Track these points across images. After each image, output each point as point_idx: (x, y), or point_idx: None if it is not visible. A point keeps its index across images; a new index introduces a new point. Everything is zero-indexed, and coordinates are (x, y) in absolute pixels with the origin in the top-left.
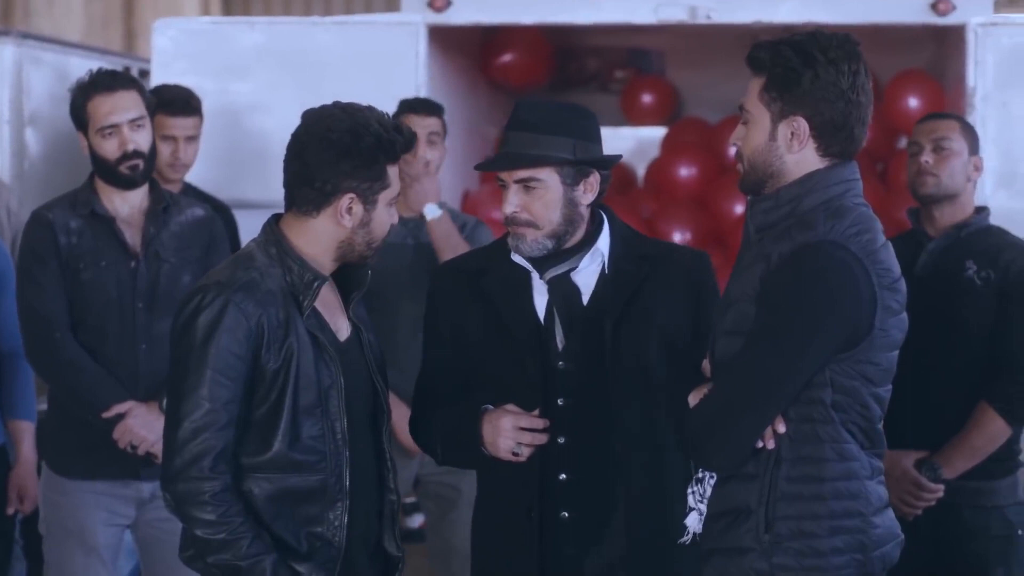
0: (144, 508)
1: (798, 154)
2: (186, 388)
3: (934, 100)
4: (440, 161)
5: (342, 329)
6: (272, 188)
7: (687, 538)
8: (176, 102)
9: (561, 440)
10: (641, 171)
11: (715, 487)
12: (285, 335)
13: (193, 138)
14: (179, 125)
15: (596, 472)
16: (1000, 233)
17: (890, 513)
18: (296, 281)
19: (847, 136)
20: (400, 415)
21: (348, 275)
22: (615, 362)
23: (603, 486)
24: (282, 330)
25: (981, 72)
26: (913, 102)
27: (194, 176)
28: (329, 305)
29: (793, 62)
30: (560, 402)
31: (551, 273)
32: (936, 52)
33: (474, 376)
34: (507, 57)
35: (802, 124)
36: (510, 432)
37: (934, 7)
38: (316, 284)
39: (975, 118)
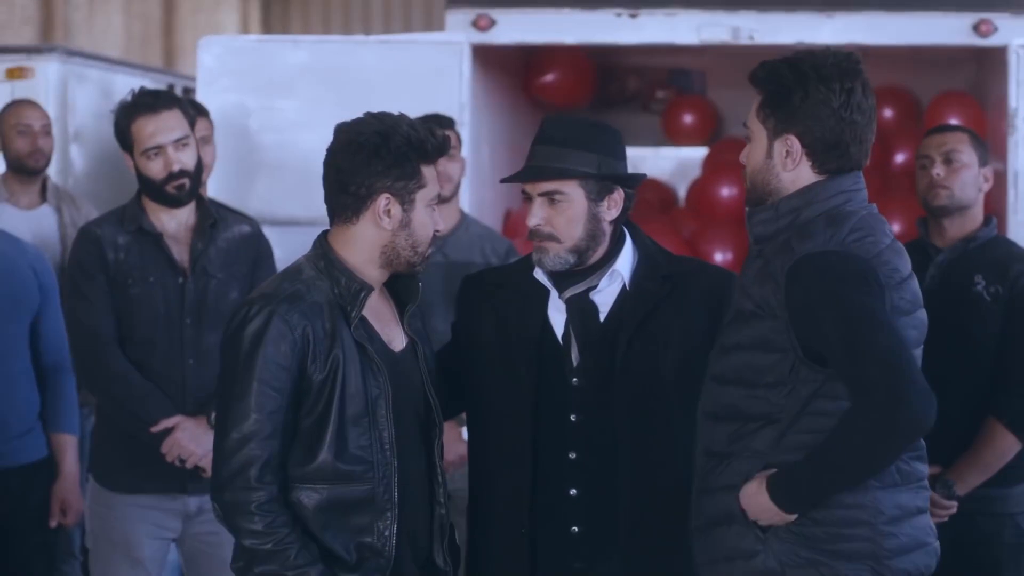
0: (190, 522)
1: (793, 172)
2: (232, 399)
3: (975, 121)
4: (460, 174)
5: (396, 340)
6: (316, 205)
7: None
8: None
9: (572, 456)
10: (682, 191)
11: (706, 498)
12: (331, 346)
13: (205, 139)
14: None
15: (607, 486)
16: (1008, 244)
17: (917, 521)
18: (344, 292)
19: (842, 153)
20: None
21: (404, 287)
22: (626, 379)
23: (614, 500)
24: (328, 341)
25: (1023, 93)
26: (950, 123)
27: (236, 194)
28: (382, 317)
29: (786, 80)
30: (573, 418)
31: (569, 292)
32: (977, 73)
33: (479, 387)
34: (550, 77)
35: (794, 143)
36: None
37: (976, 28)
38: (363, 294)
39: (1017, 139)
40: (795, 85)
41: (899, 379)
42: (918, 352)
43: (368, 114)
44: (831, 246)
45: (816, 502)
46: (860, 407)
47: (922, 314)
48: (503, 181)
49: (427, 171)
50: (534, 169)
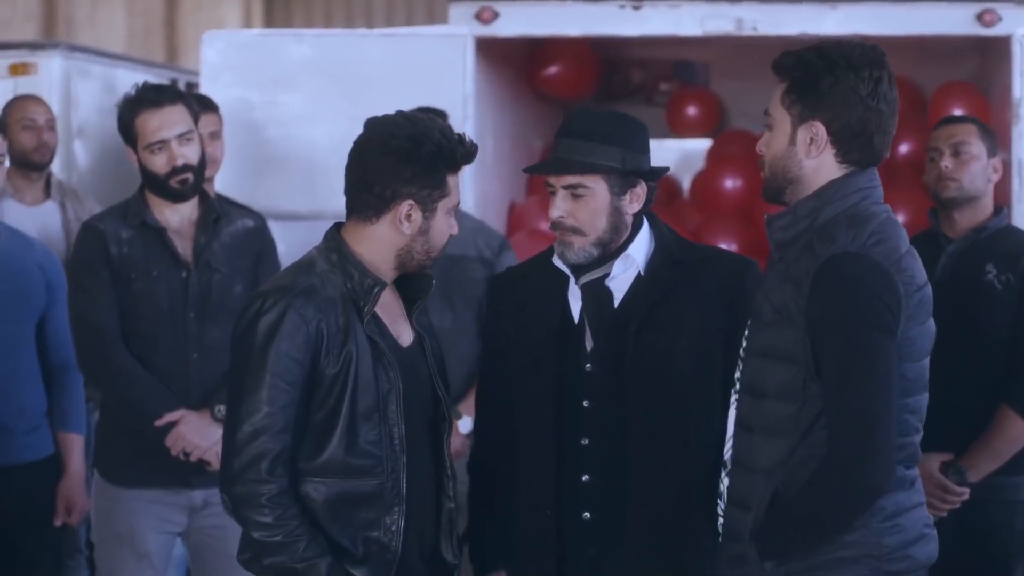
0: (195, 516)
1: (816, 160)
2: (245, 391)
3: (979, 111)
4: None
5: (404, 335)
6: (320, 199)
7: None
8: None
9: (585, 441)
10: (686, 183)
11: (723, 512)
12: (344, 340)
13: (214, 134)
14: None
15: (618, 474)
16: (1018, 233)
17: (914, 514)
18: (356, 287)
19: (866, 143)
20: None
21: (411, 283)
22: (637, 366)
23: (625, 487)
24: (341, 335)
25: None
26: (958, 114)
27: (240, 188)
28: (391, 312)
29: (814, 66)
30: (585, 404)
31: (585, 278)
32: (981, 63)
33: (508, 374)
34: (553, 69)
35: (820, 129)
36: None
37: (980, 18)
38: (376, 290)
39: (1021, 129)
40: (824, 71)
41: (867, 439)
42: (926, 362)
43: (400, 114)
44: (852, 248)
45: (783, 555)
46: (825, 469)
47: (932, 324)
48: (526, 171)
49: (451, 180)
50: (560, 161)
